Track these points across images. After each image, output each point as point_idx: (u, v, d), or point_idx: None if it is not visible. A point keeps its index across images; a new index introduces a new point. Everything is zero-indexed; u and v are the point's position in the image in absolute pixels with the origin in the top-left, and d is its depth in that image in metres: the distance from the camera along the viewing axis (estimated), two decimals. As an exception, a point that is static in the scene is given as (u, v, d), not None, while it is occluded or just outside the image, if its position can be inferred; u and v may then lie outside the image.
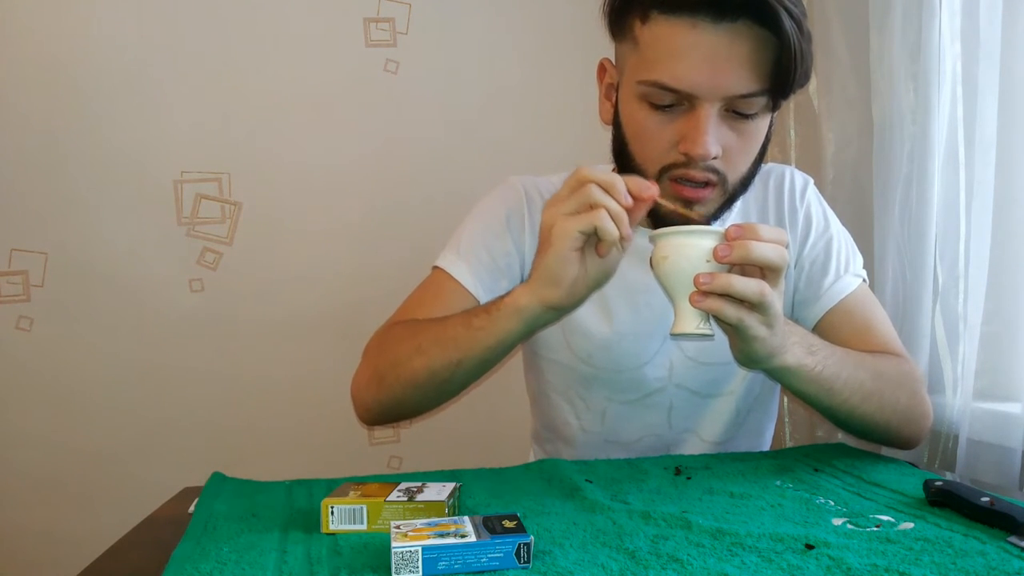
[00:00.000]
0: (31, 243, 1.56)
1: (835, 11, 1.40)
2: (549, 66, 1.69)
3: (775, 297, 0.76)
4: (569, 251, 0.79)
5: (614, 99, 0.96)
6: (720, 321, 0.78)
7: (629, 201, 0.78)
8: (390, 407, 0.97)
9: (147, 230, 1.59)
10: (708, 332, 0.78)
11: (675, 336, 0.79)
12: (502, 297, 0.87)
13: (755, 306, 0.75)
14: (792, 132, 1.60)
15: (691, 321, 0.77)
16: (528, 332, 0.87)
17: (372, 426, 1.04)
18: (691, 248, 0.76)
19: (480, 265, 1.01)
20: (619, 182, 0.78)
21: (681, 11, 0.83)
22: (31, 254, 1.56)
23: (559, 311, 0.85)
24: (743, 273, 0.76)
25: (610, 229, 0.77)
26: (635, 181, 0.79)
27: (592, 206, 0.77)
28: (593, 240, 0.80)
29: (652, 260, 0.79)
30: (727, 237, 0.75)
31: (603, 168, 0.81)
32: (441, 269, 1.02)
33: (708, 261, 0.75)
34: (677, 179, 0.89)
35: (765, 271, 0.76)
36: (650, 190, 0.79)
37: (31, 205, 1.55)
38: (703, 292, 0.74)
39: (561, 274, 0.80)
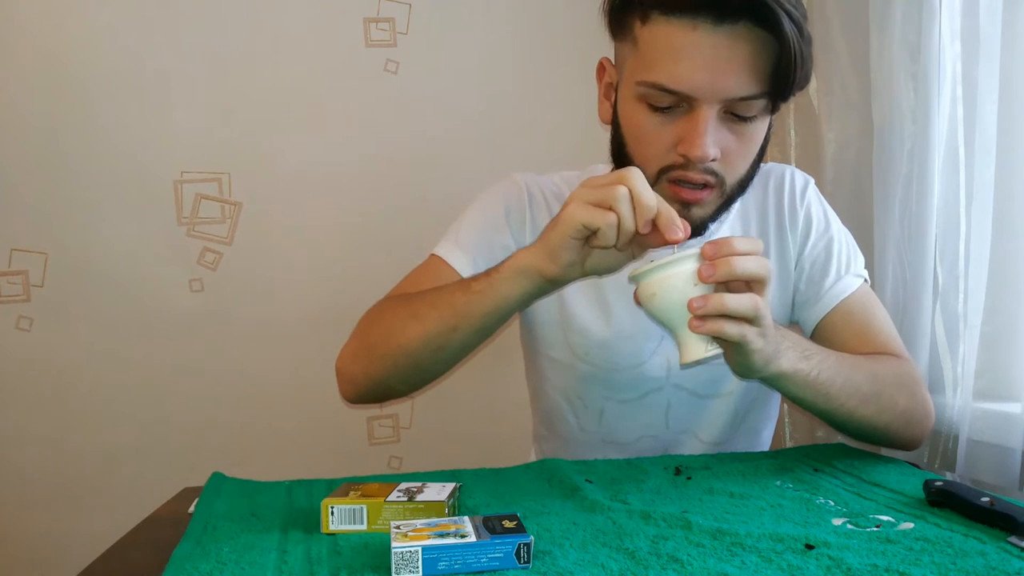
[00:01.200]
0: (31, 243, 1.56)
1: (835, 11, 1.40)
2: (549, 66, 1.69)
3: (766, 307, 0.76)
4: (570, 238, 0.79)
5: (613, 99, 0.96)
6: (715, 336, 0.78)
7: (645, 229, 0.77)
8: (380, 380, 0.96)
9: (147, 230, 1.59)
10: (718, 351, 0.78)
11: (687, 367, 0.79)
12: (502, 262, 0.87)
13: (751, 320, 0.75)
14: (792, 132, 1.60)
15: (698, 347, 0.77)
16: (526, 298, 0.86)
17: (356, 403, 1.04)
18: (675, 278, 0.75)
19: (478, 255, 1.01)
20: (652, 210, 0.76)
21: (681, 12, 0.83)
22: (31, 254, 1.56)
23: (554, 283, 0.85)
24: (729, 289, 0.76)
25: (609, 237, 0.77)
26: (669, 215, 0.77)
27: (610, 207, 0.77)
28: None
29: (639, 299, 0.78)
30: (704, 255, 0.74)
31: (603, 168, 0.81)
32: (438, 257, 1.02)
33: (696, 284, 0.75)
34: (675, 180, 0.89)
35: (751, 283, 0.76)
36: (677, 234, 0.77)
37: (31, 205, 1.55)
38: (700, 317, 0.74)
39: (559, 254, 0.81)
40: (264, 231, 1.63)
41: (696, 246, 0.76)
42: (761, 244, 0.78)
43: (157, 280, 1.59)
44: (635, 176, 0.78)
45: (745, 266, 0.74)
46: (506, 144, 1.68)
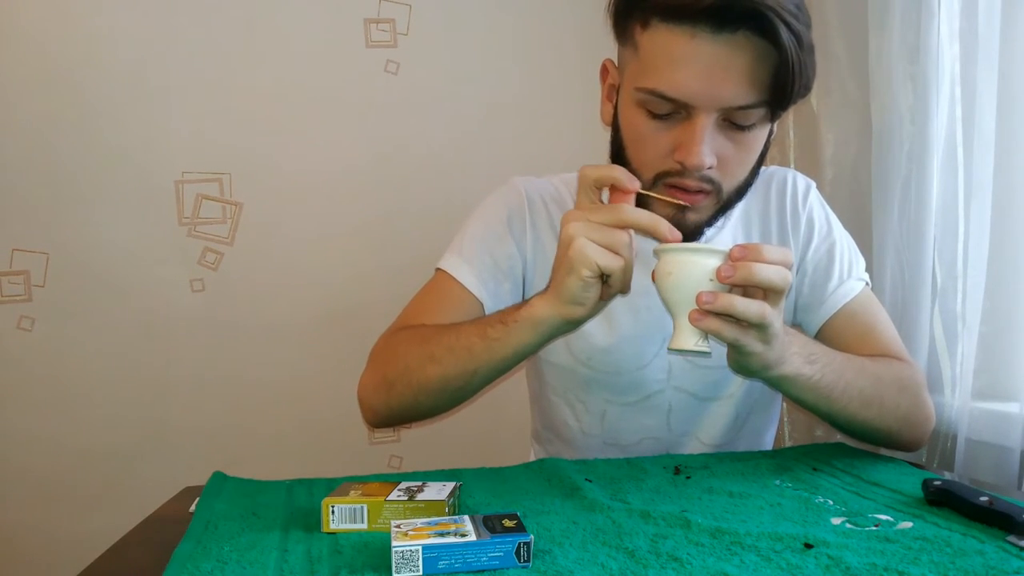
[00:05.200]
0: (32, 243, 1.56)
1: (834, 12, 1.40)
2: (550, 67, 1.69)
3: (775, 316, 0.76)
4: (588, 279, 0.80)
5: (615, 101, 0.96)
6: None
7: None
8: (400, 412, 0.97)
9: (148, 230, 1.59)
10: (706, 350, 0.78)
11: (673, 351, 0.80)
12: (518, 307, 0.87)
13: (754, 326, 0.76)
14: (791, 133, 1.60)
15: (689, 338, 0.77)
16: (542, 343, 0.88)
17: (378, 428, 1.05)
18: (695, 266, 0.76)
19: (483, 267, 1.02)
20: (661, 224, 0.79)
21: (681, 20, 0.82)
22: (32, 254, 1.56)
23: (578, 324, 0.86)
24: (744, 294, 0.76)
25: (620, 281, 0.80)
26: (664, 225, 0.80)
27: (617, 252, 0.79)
28: None
29: (655, 274, 0.79)
30: (731, 257, 0.75)
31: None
32: (444, 271, 1.03)
33: (711, 280, 0.75)
34: (671, 186, 0.89)
35: (767, 292, 0.76)
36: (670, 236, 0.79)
37: (32, 205, 1.55)
38: (703, 311, 0.75)
39: (583, 296, 0.81)
40: (265, 231, 1.63)
41: (725, 247, 0.77)
42: (791, 257, 0.78)
43: (158, 280, 1.60)
44: (630, 213, 0.79)
45: (766, 274, 0.75)
46: (506, 145, 1.68)
